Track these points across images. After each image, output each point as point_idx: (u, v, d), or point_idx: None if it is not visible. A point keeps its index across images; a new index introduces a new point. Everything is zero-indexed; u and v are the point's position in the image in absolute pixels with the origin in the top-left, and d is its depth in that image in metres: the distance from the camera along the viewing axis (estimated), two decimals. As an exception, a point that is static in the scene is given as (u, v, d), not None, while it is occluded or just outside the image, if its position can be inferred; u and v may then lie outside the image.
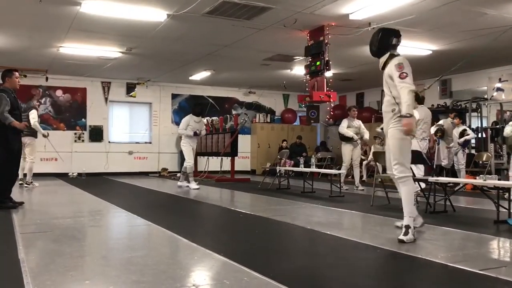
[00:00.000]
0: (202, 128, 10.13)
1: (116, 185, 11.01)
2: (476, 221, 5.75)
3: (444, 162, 9.73)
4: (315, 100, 8.77)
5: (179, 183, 10.05)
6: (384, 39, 4.44)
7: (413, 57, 10.25)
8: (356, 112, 9.65)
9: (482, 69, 11.85)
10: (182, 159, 14.57)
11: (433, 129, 9.98)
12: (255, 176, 14.30)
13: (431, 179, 6.10)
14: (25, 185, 9.66)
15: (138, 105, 15.05)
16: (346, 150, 9.47)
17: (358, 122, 9.55)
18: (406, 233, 4.13)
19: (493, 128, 11.15)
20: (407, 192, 4.29)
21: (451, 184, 8.48)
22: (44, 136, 9.51)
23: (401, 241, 4.07)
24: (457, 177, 9.55)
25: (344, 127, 9.35)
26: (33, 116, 9.19)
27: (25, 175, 9.70)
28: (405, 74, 4.17)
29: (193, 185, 9.70)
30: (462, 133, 9.60)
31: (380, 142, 11.79)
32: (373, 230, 4.90)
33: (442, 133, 9.71)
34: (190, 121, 9.76)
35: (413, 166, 7.18)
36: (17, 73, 6.46)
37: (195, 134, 9.74)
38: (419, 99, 8.39)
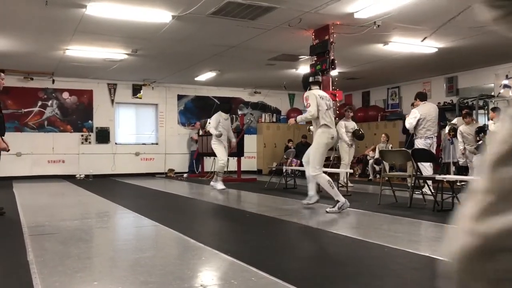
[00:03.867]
0: (231, 131, 9.95)
1: (123, 187, 11.05)
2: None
3: (461, 161, 9.62)
4: (321, 99, 8.77)
5: (212, 183, 9.56)
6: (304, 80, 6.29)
7: (419, 55, 10.25)
8: (351, 114, 9.96)
9: (489, 66, 11.77)
10: (191, 160, 14.67)
11: (447, 128, 9.91)
12: (262, 176, 14.30)
13: (438, 177, 6.07)
14: None
15: (144, 106, 15.09)
16: (345, 149, 9.63)
17: (352, 124, 9.77)
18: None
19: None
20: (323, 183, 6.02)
21: (462, 183, 8.41)
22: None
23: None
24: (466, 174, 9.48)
25: (344, 133, 9.50)
26: None
27: None
28: (309, 104, 5.94)
29: (219, 185, 9.31)
30: (478, 132, 9.11)
31: (386, 141, 11.76)
32: (380, 228, 4.89)
33: (455, 132, 9.61)
34: (220, 119, 9.57)
35: (420, 165, 7.18)
36: (3, 74, 5.97)
37: (220, 135, 9.41)
38: (422, 97, 8.34)
